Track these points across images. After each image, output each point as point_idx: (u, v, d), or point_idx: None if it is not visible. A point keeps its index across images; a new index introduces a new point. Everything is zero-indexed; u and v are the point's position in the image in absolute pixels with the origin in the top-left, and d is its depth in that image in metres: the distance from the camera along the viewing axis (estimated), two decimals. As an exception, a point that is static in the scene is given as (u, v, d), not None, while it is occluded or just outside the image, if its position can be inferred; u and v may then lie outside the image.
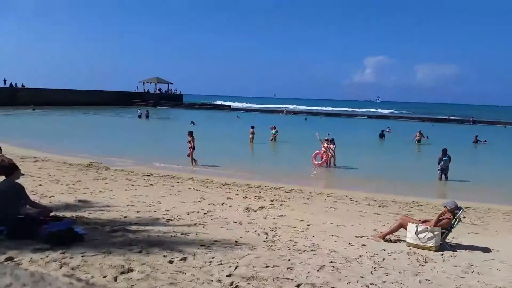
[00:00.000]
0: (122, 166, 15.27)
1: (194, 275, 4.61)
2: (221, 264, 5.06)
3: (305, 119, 56.38)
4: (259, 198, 10.59)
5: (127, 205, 8.63)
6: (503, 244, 7.43)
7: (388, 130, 35.83)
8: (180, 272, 4.69)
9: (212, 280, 4.53)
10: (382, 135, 31.97)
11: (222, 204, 9.48)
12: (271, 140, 26.03)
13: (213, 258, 5.26)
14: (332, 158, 18.07)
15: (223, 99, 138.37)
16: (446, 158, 15.55)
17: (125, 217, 7.50)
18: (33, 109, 49.28)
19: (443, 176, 15.68)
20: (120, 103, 69.73)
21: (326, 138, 18.68)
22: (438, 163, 15.71)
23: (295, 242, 6.47)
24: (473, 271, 5.71)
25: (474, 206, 11.13)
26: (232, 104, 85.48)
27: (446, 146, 16.18)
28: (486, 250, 6.93)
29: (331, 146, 18.00)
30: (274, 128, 26.69)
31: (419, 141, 28.71)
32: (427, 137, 30.55)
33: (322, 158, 17.94)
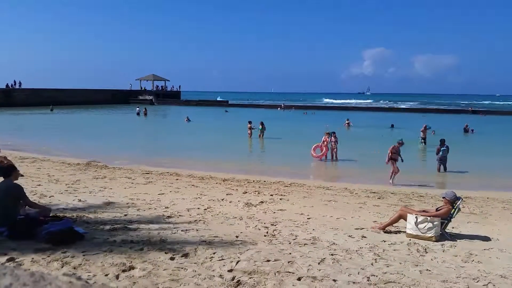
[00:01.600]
0: (121, 164, 15.25)
1: (195, 271, 4.62)
2: (222, 259, 5.08)
3: (305, 113, 56.39)
4: (258, 193, 10.61)
5: (127, 203, 8.63)
6: (503, 233, 7.48)
7: (347, 121, 35.28)
8: (182, 268, 4.70)
9: (213, 276, 4.54)
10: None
11: (222, 199, 9.49)
12: (259, 136, 24.83)
13: (214, 253, 5.27)
14: (334, 151, 18.09)
15: (221, 95, 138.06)
16: (445, 148, 15.57)
17: (125, 215, 7.50)
18: (52, 110, 49.06)
19: (441, 166, 15.71)
20: (117, 101, 69.57)
21: (327, 132, 18.72)
22: (437, 154, 15.74)
23: (296, 236, 6.49)
24: (473, 260, 5.74)
25: (473, 196, 11.18)
26: (230, 100, 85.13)
27: (442, 137, 16.23)
28: (485, 239, 6.97)
29: (332, 139, 18.02)
30: (262, 124, 25.07)
31: (424, 140, 22.88)
32: (433, 132, 26.97)
33: (321, 151, 17.94)
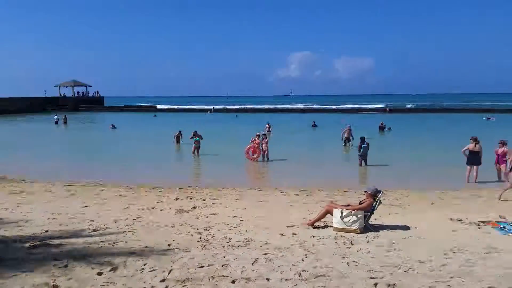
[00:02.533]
0: (40, 177, 14.21)
1: (125, 285, 4.46)
2: (154, 270, 4.95)
3: (236, 116, 56.79)
4: (190, 198, 10.48)
5: (48, 218, 8.07)
6: (420, 221, 8.11)
7: (267, 125, 32.33)
8: (111, 283, 4.51)
9: None
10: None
11: (152, 208, 9.23)
12: (194, 152, 19.70)
13: (145, 265, 5.12)
14: (265, 153, 18.50)
15: (147, 100, 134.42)
16: (365, 145, 16.53)
17: (46, 231, 7.01)
18: None
19: (363, 162, 16.66)
20: (34, 110, 64.72)
21: (258, 133, 19.04)
22: (358, 151, 16.66)
23: (229, 239, 6.52)
24: (395, 248, 6.16)
25: (393, 189, 11.98)
26: (158, 105, 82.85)
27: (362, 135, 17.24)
28: (405, 228, 7.52)
29: (265, 140, 18.45)
30: (196, 135, 19.79)
31: (348, 140, 22.77)
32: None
33: (254, 153, 18.20)
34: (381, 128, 32.55)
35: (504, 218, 8.30)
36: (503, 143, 13.33)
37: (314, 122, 37.11)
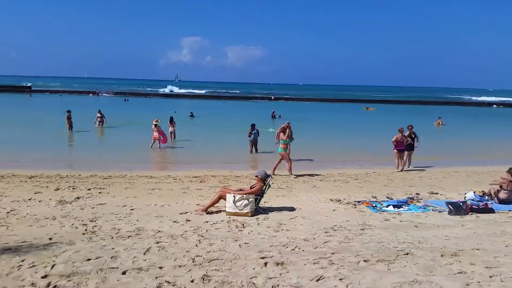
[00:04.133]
0: None
1: (-1, 285, 4.01)
2: (33, 266, 4.53)
3: (126, 100, 54.09)
4: (73, 188, 9.76)
5: None
6: (304, 202, 8.74)
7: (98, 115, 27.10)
8: (-20, 285, 4.01)
9: (23, 286, 4.02)
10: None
11: (29, 199, 8.38)
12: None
13: (22, 261, 4.66)
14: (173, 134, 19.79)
15: (25, 79, 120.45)
16: (255, 131, 17.14)
17: None
18: None
19: (253, 148, 17.27)
20: None
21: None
22: (249, 137, 17.19)
23: (118, 229, 6.25)
24: (282, 229, 6.54)
25: (280, 172, 12.66)
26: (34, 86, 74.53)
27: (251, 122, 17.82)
28: (291, 209, 8.03)
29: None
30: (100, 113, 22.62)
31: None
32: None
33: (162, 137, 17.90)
34: (273, 116, 34.28)
35: (375, 198, 9.38)
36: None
37: (191, 112, 35.19)
